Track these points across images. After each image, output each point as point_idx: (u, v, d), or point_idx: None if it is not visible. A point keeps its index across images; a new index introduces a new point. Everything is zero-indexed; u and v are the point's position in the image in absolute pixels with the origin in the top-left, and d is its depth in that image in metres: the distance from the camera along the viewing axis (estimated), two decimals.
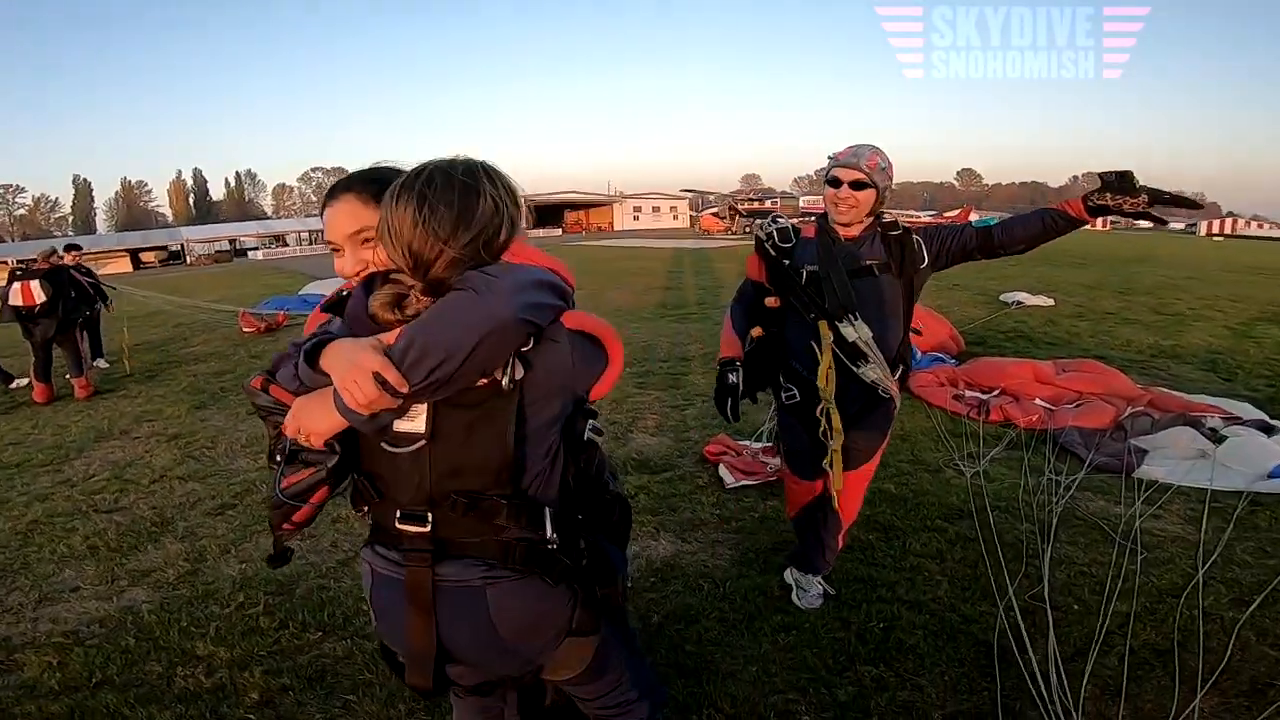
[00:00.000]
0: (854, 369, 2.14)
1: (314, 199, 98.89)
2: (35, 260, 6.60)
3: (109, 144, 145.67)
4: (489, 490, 1.10)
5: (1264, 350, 6.75)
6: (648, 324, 9.39)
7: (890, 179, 2.16)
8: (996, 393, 5.07)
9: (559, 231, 55.85)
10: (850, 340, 2.11)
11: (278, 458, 1.17)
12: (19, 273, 6.49)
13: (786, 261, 2.22)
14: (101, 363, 8.13)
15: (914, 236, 2.17)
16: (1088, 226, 2.19)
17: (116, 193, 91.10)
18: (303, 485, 1.14)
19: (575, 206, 61.88)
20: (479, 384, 1.04)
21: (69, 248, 7.02)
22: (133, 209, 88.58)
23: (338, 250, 1.20)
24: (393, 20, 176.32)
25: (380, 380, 0.95)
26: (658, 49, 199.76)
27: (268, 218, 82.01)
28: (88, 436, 5.42)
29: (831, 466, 2.21)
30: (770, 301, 2.28)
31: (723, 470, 3.80)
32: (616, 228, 58.27)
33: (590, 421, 1.24)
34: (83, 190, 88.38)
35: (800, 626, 2.41)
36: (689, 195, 61.67)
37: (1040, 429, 4.38)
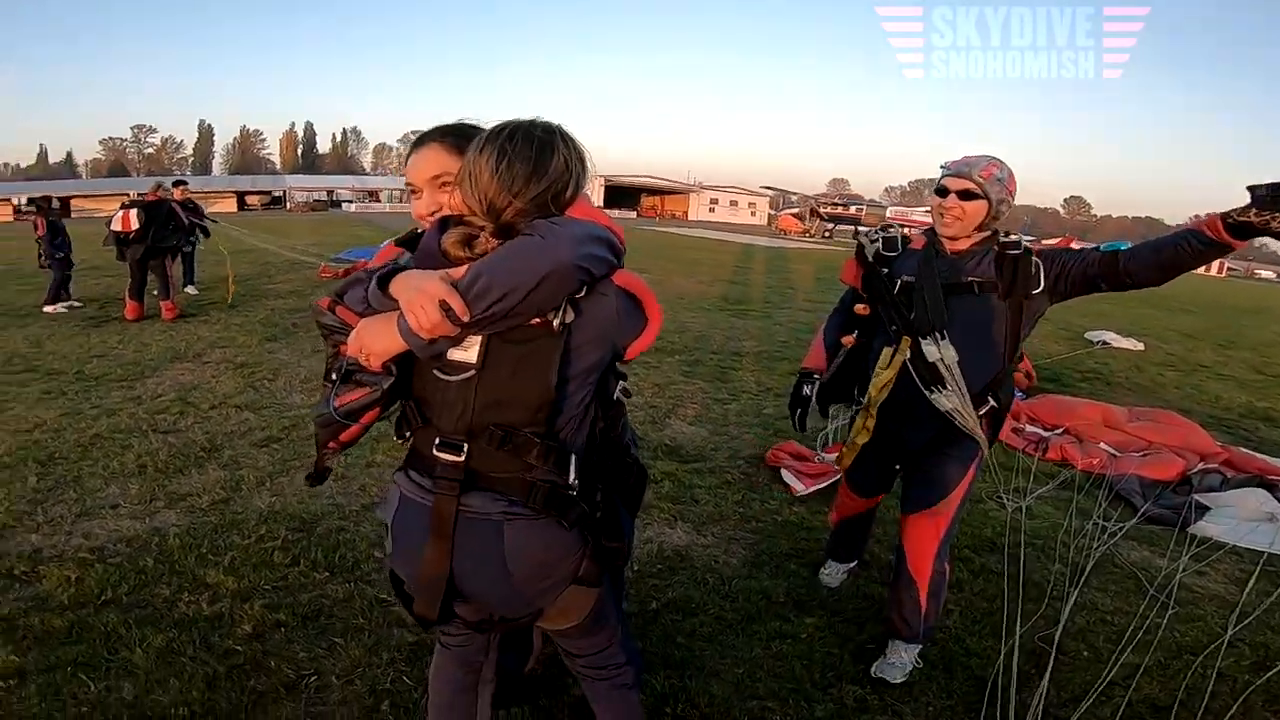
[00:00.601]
0: (926, 393, 1.95)
1: None
2: (146, 193, 7.26)
3: (235, 93, 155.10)
4: (525, 427, 1.16)
5: None
6: (705, 315, 9.29)
7: (1009, 194, 1.96)
8: (1060, 431, 4.79)
9: (634, 215, 55.99)
10: (930, 360, 1.94)
11: (333, 376, 1.23)
12: (126, 203, 7.19)
13: (885, 270, 2.09)
14: (191, 289, 8.77)
15: (1033, 259, 1.93)
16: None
17: (235, 139, 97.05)
18: (357, 405, 1.20)
19: (652, 191, 61.82)
20: (532, 323, 1.11)
21: (176, 183, 7.73)
22: (246, 155, 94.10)
23: (416, 192, 1.29)
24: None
25: (445, 307, 1.04)
26: (758, 41, 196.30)
27: (365, 174, 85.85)
28: (164, 356, 5.82)
29: (846, 450, 2.18)
30: (859, 309, 2.18)
31: (787, 476, 3.67)
32: (691, 217, 57.96)
33: (620, 383, 1.32)
34: (205, 134, 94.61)
35: (796, 636, 2.35)
36: (770, 193, 60.59)
37: (1099, 473, 4.09)
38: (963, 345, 1.94)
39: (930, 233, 2.08)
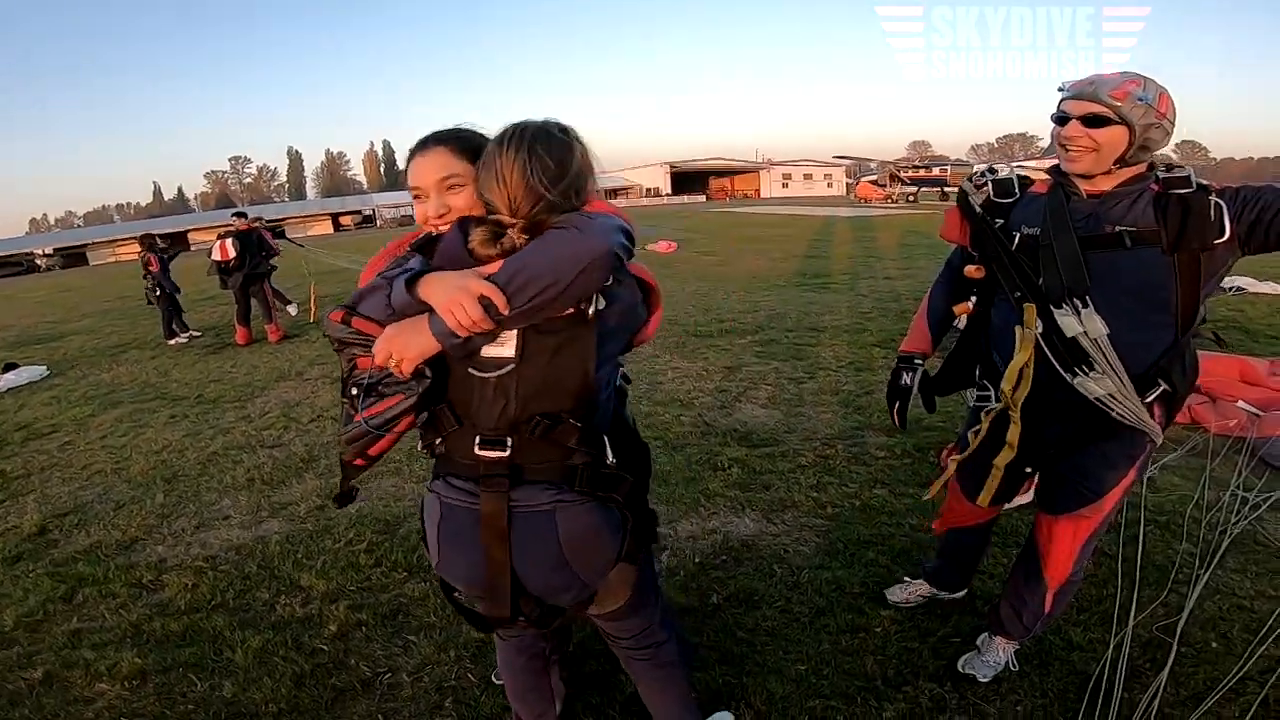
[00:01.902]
0: (1068, 377, 1.57)
1: None
2: (236, 223, 7.84)
3: (316, 117, 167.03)
4: (565, 414, 1.20)
5: None
6: (779, 291, 9.02)
7: (1160, 116, 1.50)
8: None
9: (703, 198, 55.33)
10: (1070, 335, 1.54)
11: (353, 390, 1.23)
12: (222, 234, 7.78)
13: (999, 221, 1.67)
14: (292, 309, 9.42)
15: (1211, 198, 1.48)
16: None
17: (322, 162, 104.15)
18: (391, 413, 1.20)
19: (720, 174, 60.89)
20: (566, 313, 1.14)
21: (236, 214, 8.17)
22: (335, 177, 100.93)
23: (422, 196, 1.29)
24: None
25: (485, 303, 1.06)
26: (818, 12, 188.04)
27: None
28: (271, 376, 6.31)
29: (989, 481, 1.75)
30: (971, 271, 1.76)
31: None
32: (764, 195, 56.69)
33: (621, 370, 1.40)
34: (295, 160, 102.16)
35: (870, 630, 2.20)
36: (845, 162, 58.17)
37: (1238, 436, 3.61)
38: (1113, 314, 1.52)
39: (1058, 171, 1.64)
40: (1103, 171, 1.54)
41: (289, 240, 9.55)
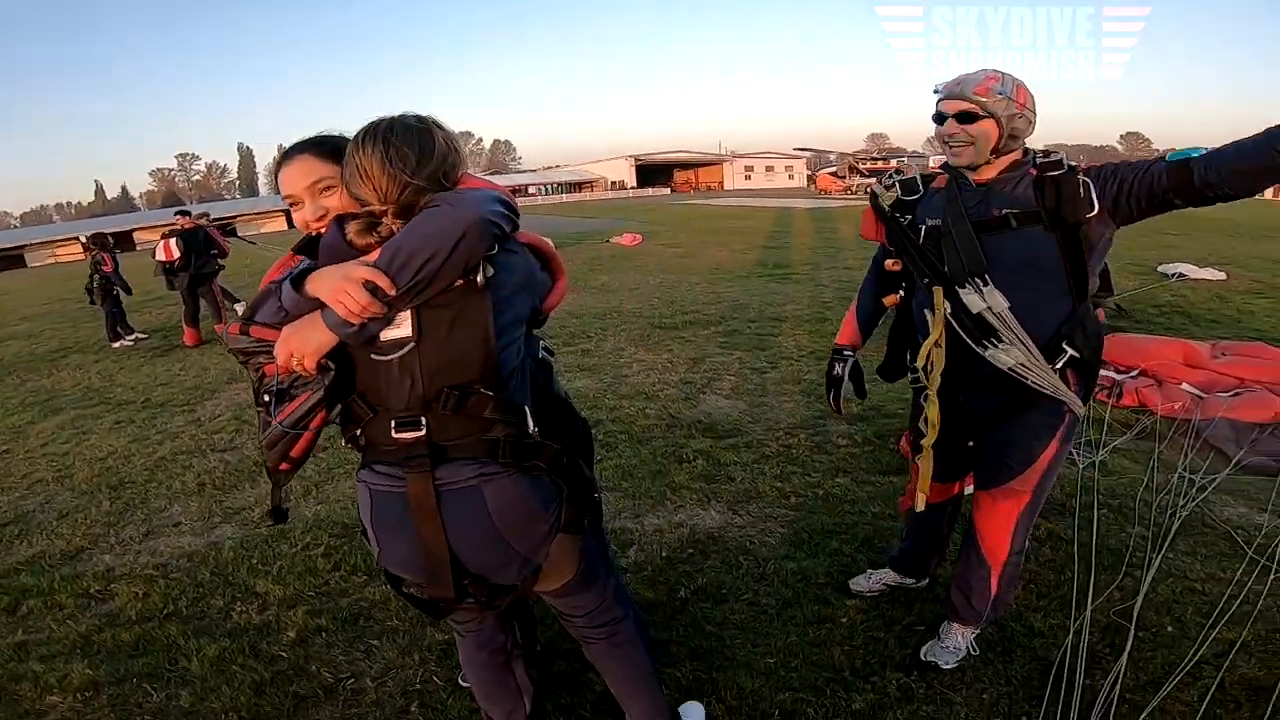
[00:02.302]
0: (980, 350, 1.70)
1: None
2: (180, 222, 7.56)
3: (268, 113, 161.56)
4: (474, 384, 1.21)
5: None
6: (741, 282, 9.09)
7: (1021, 107, 1.66)
8: (1135, 374, 4.40)
9: (667, 191, 55.52)
10: (975, 312, 1.68)
11: (265, 397, 1.24)
12: (165, 233, 7.51)
13: (908, 216, 1.83)
14: (239, 307, 9.13)
15: (1080, 177, 1.64)
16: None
17: (274, 158, 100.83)
18: (301, 410, 1.21)
19: (684, 166, 61.18)
20: (455, 284, 1.16)
21: (180, 212, 7.92)
22: None
23: (297, 204, 1.32)
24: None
25: (371, 287, 1.09)
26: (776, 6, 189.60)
27: None
28: (222, 379, 6.07)
29: (919, 462, 1.86)
30: (889, 265, 1.94)
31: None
32: (727, 187, 57.17)
33: (542, 342, 1.48)
34: (246, 157, 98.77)
35: (836, 620, 2.21)
36: (805, 154, 58.92)
37: (1183, 418, 3.74)
38: (1011, 288, 1.66)
39: (950, 166, 1.82)
40: (984, 162, 1.70)
41: (240, 238, 9.23)
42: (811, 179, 46.23)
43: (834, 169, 45.12)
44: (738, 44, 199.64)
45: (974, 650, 2.00)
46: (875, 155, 48.07)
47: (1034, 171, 1.67)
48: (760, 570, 2.52)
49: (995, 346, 1.68)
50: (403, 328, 1.18)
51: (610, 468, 3.45)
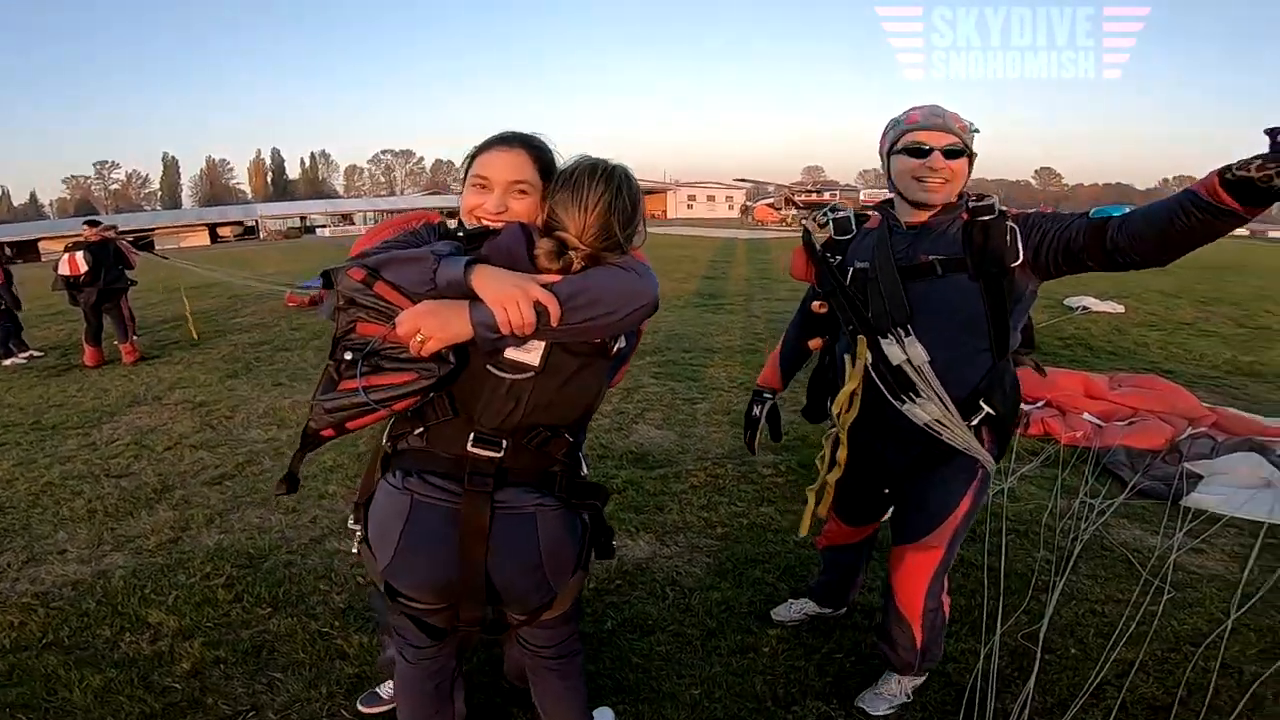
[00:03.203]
0: (897, 404, 1.61)
1: (383, 180, 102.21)
2: (88, 233, 7.00)
3: (197, 124, 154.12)
4: (563, 429, 1.27)
5: None
6: (679, 312, 9.18)
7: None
8: (1041, 404, 4.66)
9: None
10: (895, 363, 1.59)
11: (347, 355, 1.13)
12: (70, 245, 6.92)
13: (838, 257, 1.74)
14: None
15: (1008, 223, 1.53)
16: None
17: (201, 170, 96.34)
18: (396, 390, 1.13)
19: None
20: (595, 341, 1.20)
21: (88, 222, 7.32)
22: (215, 186, 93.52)
23: (485, 187, 1.25)
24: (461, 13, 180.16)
25: (539, 309, 1.08)
26: (722, 36, 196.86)
27: (339, 196, 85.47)
28: (123, 401, 5.65)
29: (819, 499, 1.81)
30: (815, 306, 1.84)
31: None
32: (670, 216, 58.04)
33: None
34: (170, 167, 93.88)
35: (758, 650, 2.21)
36: (745, 185, 60.68)
37: (1084, 446, 3.98)
38: (933, 339, 1.57)
39: (886, 206, 1.73)
40: (946, 203, 1.59)
41: (154, 254, 8.65)
42: (746, 209, 47.09)
43: (771, 200, 46.51)
44: (680, 76, 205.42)
45: (909, 698, 1.95)
46: (810, 188, 49.86)
47: (965, 216, 1.59)
48: (686, 601, 2.50)
49: (913, 401, 1.60)
50: (531, 355, 1.18)
51: None
